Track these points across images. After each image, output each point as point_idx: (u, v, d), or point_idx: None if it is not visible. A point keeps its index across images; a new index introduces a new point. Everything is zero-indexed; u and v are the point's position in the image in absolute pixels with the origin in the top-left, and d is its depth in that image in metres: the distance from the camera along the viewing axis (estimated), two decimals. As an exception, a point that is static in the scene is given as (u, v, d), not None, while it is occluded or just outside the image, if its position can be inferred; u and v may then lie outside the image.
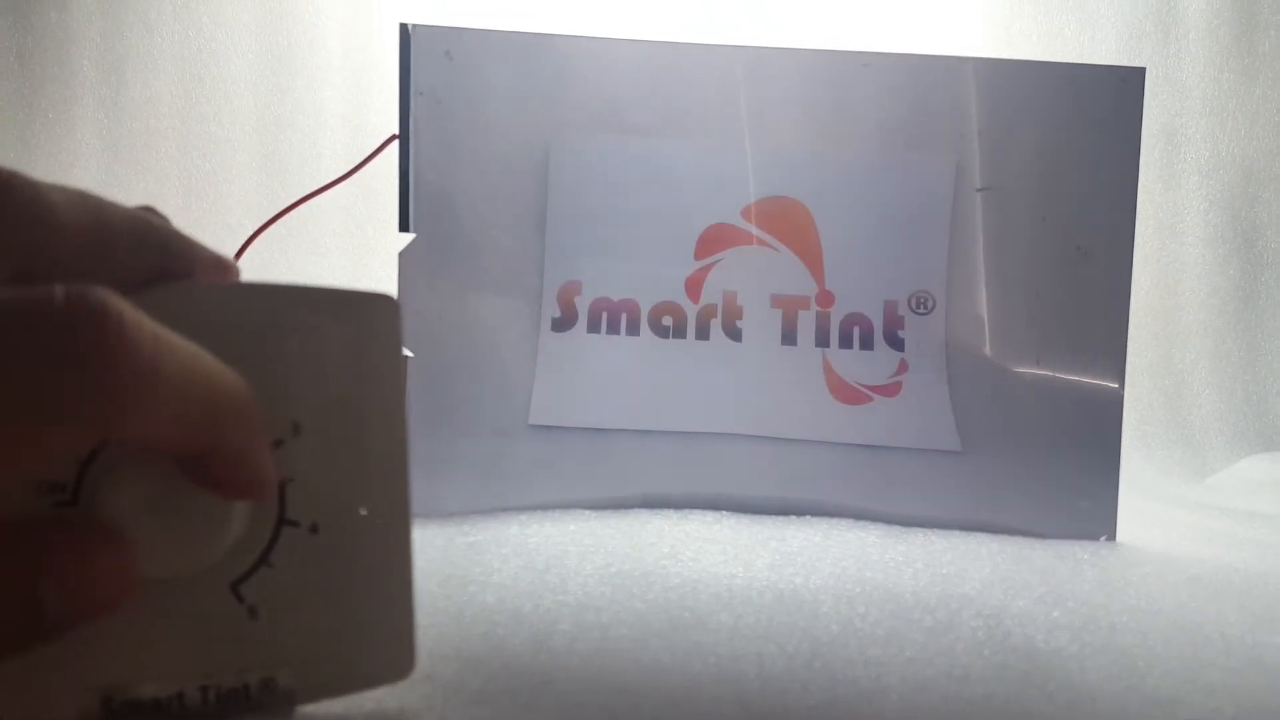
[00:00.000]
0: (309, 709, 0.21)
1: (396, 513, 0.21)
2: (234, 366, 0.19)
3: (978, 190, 0.48)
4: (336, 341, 0.20)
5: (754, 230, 0.49)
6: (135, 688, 0.19)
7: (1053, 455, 0.48)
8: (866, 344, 0.49)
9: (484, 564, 0.37)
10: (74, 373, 0.15)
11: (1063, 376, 0.48)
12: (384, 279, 0.47)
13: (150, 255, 0.20)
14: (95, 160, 0.72)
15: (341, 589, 0.21)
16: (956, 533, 0.46)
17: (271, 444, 0.19)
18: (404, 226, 0.47)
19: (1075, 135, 0.48)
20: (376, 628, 0.21)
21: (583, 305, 0.48)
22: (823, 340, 0.49)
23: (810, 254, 0.49)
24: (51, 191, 0.18)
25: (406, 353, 0.47)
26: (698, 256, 0.49)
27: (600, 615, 0.31)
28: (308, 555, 0.20)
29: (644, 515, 0.46)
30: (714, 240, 0.49)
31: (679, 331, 0.49)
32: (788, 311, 0.49)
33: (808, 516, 0.47)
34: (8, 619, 0.16)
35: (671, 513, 0.46)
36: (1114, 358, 0.48)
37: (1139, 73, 0.48)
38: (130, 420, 0.16)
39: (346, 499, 0.21)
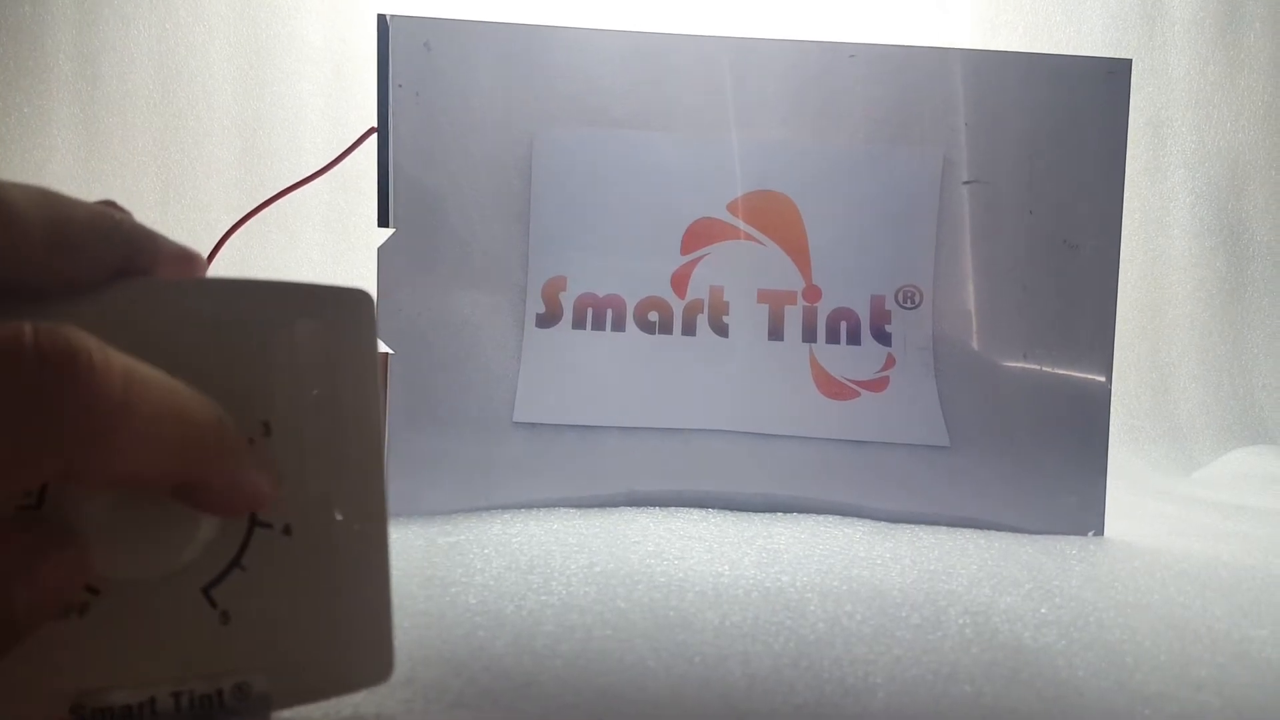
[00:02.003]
0: (285, 714, 0.21)
1: (372, 512, 0.21)
2: (200, 364, 0.18)
3: (965, 184, 0.48)
4: (308, 338, 0.20)
5: (740, 225, 0.48)
6: (106, 695, 0.18)
7: (1040, 450, 0.48)
8: (853, 339, 0.48)
9: (466, 564, 0.36)
10: (43, 413, 0.14)
11: (1050, 371, 0.48)
12: (365, 274, 0.46)
13: (113, 250, 0.19)
14: (71, 155, 0.71)
15: (316, 591, 0.20)
16: (944, 529, 0.46)
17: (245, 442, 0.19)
18: (383, 221, 0.46)
19: (1062, 128, 0.48)
20: (353, 631, 0.21)
21: (568, 301, 0.48)
22: (810, 335, 0.48)
23: (797, 248, 0.49)
24: (10, 189, 0.18)
25: (386, 349, 0.46)
26: (684, 251, 0.48)
27: (584, 616, 0.31)
28: (281, 558, 0.20)
29: (629, 513, 0.45)
30: (700, 235, 0.48)
31: (665, 327, 0.48)
32: (774, 306, 0.48)
33: (794, 514, 0.47)
34: None
35: (657, 510, 0.46)
36: (1102, 352, 0.48)
37: (1126, 64, 0.48)
38: (100, 460, 0.16)
39: (320, 500, 0.20)
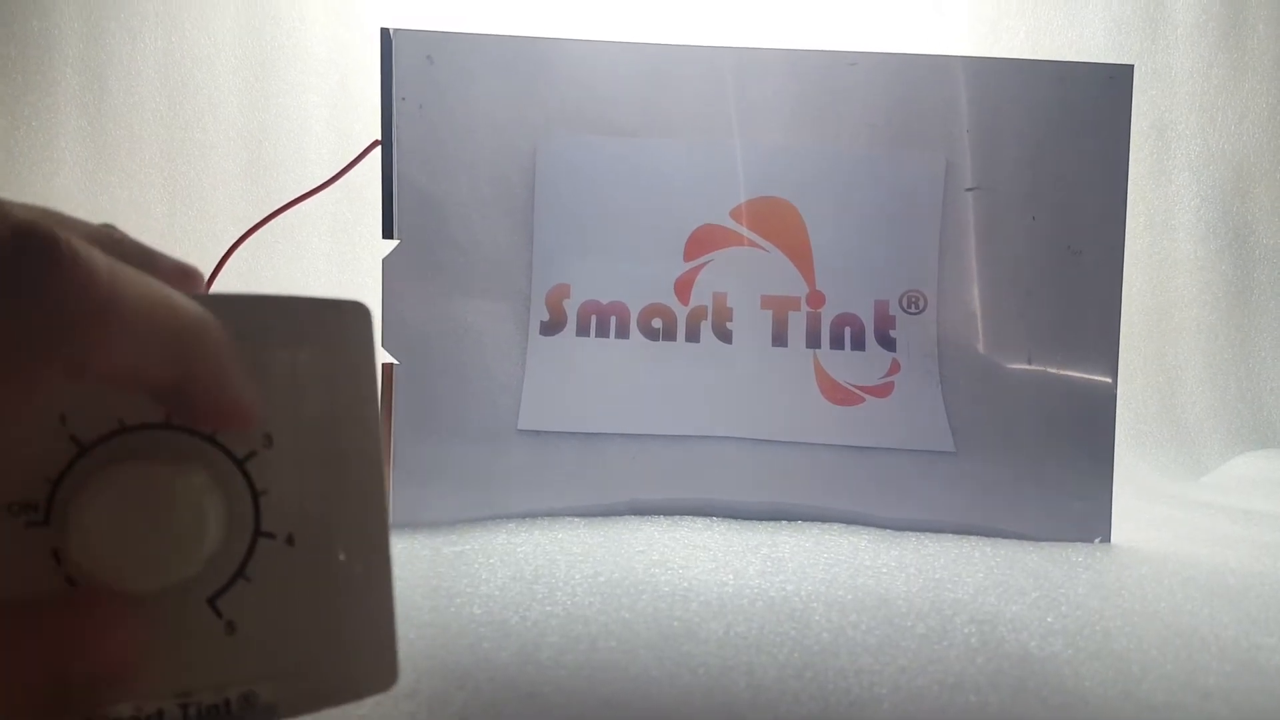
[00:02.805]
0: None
1: (374, 521, 0.21)
2: None
3: (968, 189, 0.48)
4: (308, 351, 0.20)
5: (744, 231, 0.48)
6: (111, 708, 0.18)
7: (1046, 456, 0.47)
8: (858, 344, 0.48)
9: (471, 574, 0.36)
10: (33, 303, 0.14)
11: (1055, 375, 0.48)
12: (370, 284, 0.47)
13: None
14: (79, 168, 0.72)
15: (320, 601, 0.20)
16: (949, 536, 0.46)
17: (244, 456, 0.19)
18: (388, 232, 0.47)
19: (1064, 133, 0.48)
20: (357, 639, 0.21)
21: (571, 308, 0.48)
22: (814, 341, 0.48)
23: (800, 254, 0.49)
24: (14, 209, 0.18)
25: (391, 359, 0.46)
26: (687, 258, 0.48)
27: (589, 626, 0.31)
28: (285, 568, 0.20)
29: (634, 522, 0.45)
30: (703, 241, 0.48)
31: (669, 334, 0.48)
32: (778, 312, 0.48)
33: (799, 522, 0.47)
34: (33, 706, 0.16)
35: (661, 519, 0.46)
36: (1106, 356, 0.48)
37: (1127, 69, 0.48)
38: (100, 349, 0.15)
39: (323, 509, 0.20)
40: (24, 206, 0.18)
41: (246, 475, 0.19)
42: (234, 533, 0.19)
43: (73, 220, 0.19)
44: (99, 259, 0.15)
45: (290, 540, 0.20)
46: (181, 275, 0.21)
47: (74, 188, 0.71)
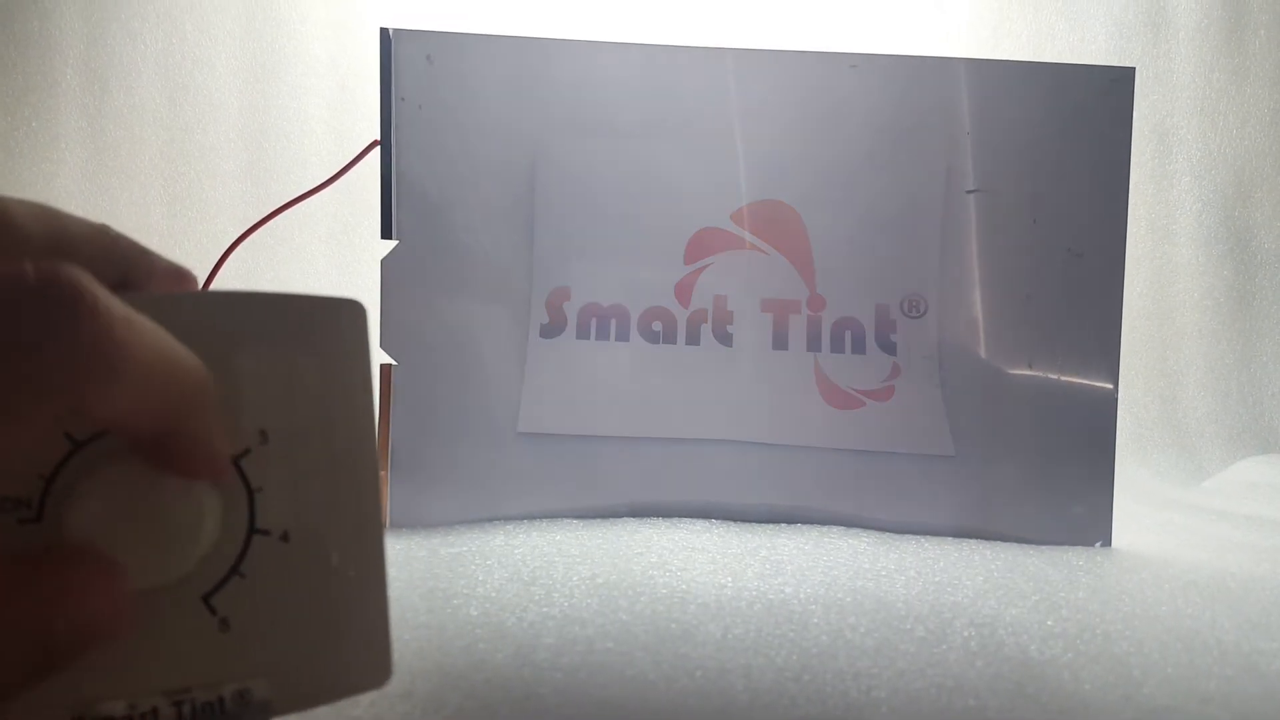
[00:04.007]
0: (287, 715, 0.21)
1: (368, 517, 0.21)
2: None
3: (968, 192, 0.48)
4: (302, 348, 0.20)
5: (744, 234, 0.48)
6: (106, 705, 0.18)
7: (1047, 460, 0.47)
8: (858, 348, 0.48)
9: (468, 576, 0.36)
10: (47, 349, 0.14)
11: (1056, 380, 0.48)
12: (370, 285, 0.47)
13: (110, 265, 0.20)
14: (79, 169, 0.72)
15: (315, 597, 0.20)
16: (949, 539, 0.46)
17: (240, 453, 0.19)
18: (386, 233, 0.46)
19: (1065, 136, 0.48)
20: (351, 635, 0.21)
21: (572, 311, 0.48)
22: (814, 344, 0.48)
23: (801, 257, 0.48)
24: (12, 205, 0.18)
25: (390, 361, 0.46)
26: (687, 261, 0.48)
27: (586, 628, 0.30)
28: (279, 564, 0.20)
29: (632, 524, 0.45)
30: (704, 244, 0.48)
31: (669, 337, 0.48)
32: (778, 316, 0.48)
33: (798, 524, 0.47)
34: (16, 657, 0.16)
35: (660, 521, 0.46)
36: (1107, 360, 0.47)
37: (1129, 73, 0.47)
38: (104, 400, 0.15)
39: (317, 506, 0.20)
40: (24, 203, 0.18)
41: (241, 472, 0.19)
42: (229, 530, 0.19)
43: (70, 218, 0.19)
44: (118, 310, 0.15)
45: (285, 537, 0.20)
46: (176, 277, 0.21)
47: (74, 188, 0.71)
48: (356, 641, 0.21)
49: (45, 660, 0.16)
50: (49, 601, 0.16)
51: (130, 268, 0.20)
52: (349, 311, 0.21)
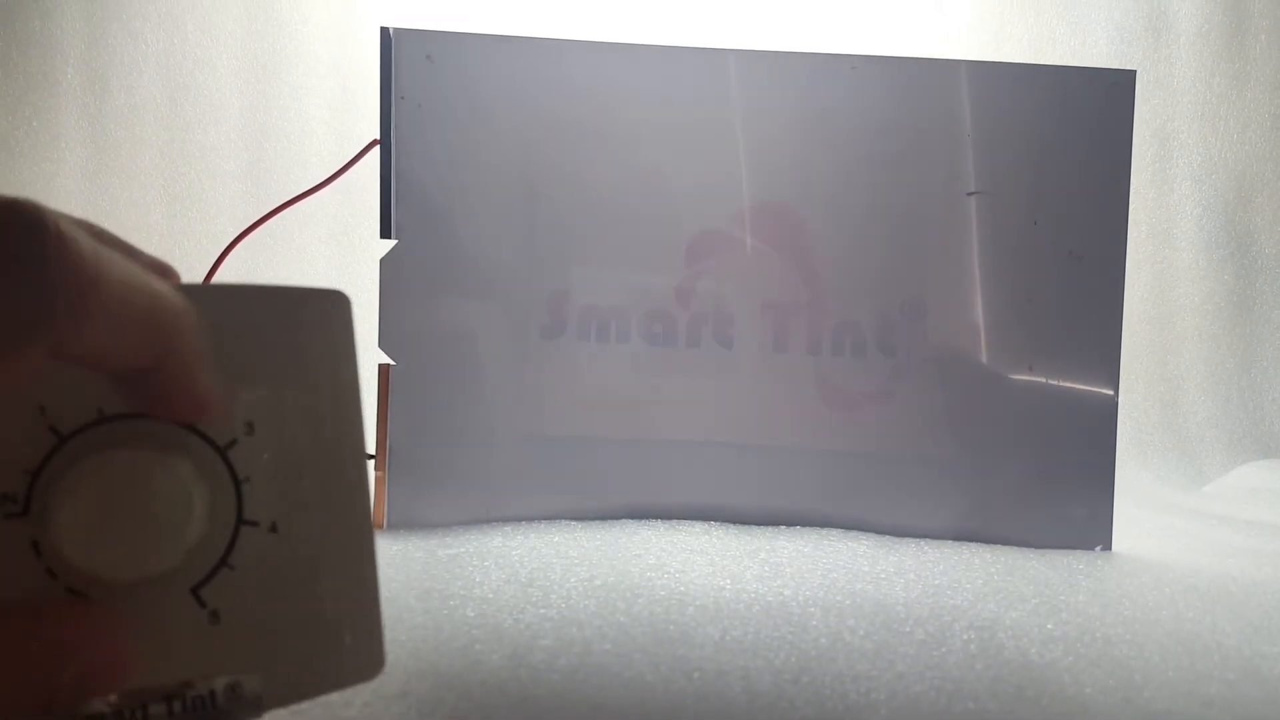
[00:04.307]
0: (278, 714, 0.20)
1: (357, 507, 0.21)
2: None
3: (969, 194, 0.48)
4: (287, 339, 0.20)
5: (745, 236, 0.48)
6: (96, 701, 0.18)
7: (1047, 463, 0.47)
8: (859, 351, 0.48)
9: (465, 577, 0.36)
10: (15, 277, 0.14)
11: (1056, 383, 0.47)
12: (369, 285, 0.46)
13: None
14: (79, 168, 0.72)
15: (305, 588, 0.20)
16: (949, 543, 0.46)
17: (226, 443, 0.19)
18: (385, 233, 0.46)
19: (1066, 138, 0.47)
20: (342, 627, 0.21)
21: (572, 312, 0.48)
22: (814, 347, 0.48)
23: (802, 260, 0.48)
24: None
25: (388, 361, 0.46)
26: (688, 263, 0.48)
27: (583, 630, 0.30)
28: (268, 556, 0.19)
29: (631, 526, 0.45)
30: (704, 246, 0.48)
31: (670, 339, 0.48)
32: (779, 318, 0.48)
33: (798, 527, 0.47)
34: (23, 705, 0.16)
35: (659, 523, 0.46)
36: (1108, 363, 0.47)
37: (1129, 76, 0.47)
38: (76, 326, 0.15)
39: (305, 496, 0.20)
40: (6, 198, 0.18)
41: (228, 463, 0.19)
42: (216, 521, 0.19)
43: (57, 213, 0.19)
44: (83, 239, 0.15)
45: (274, 528, 0.20)
46: (159, 273, 0.21)
47: (74, 187, 0.71)
48: (348, 633, 0.21)
49: (49, 709, 0.16)
50: (56, 654, 0.16)
51: None
52: (334, 302, 0.21)
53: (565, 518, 0.47)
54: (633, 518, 0.47)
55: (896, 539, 0.46)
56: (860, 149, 0.48)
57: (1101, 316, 0.47)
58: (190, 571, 0.19)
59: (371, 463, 0.44)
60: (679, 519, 0.47)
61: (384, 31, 0.46)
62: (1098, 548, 0.47)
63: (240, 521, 0.19)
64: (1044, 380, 0.48)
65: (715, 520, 0.47)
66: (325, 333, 0.20)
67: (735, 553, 0.41)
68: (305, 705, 0.21)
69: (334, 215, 0.73)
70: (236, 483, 0.19)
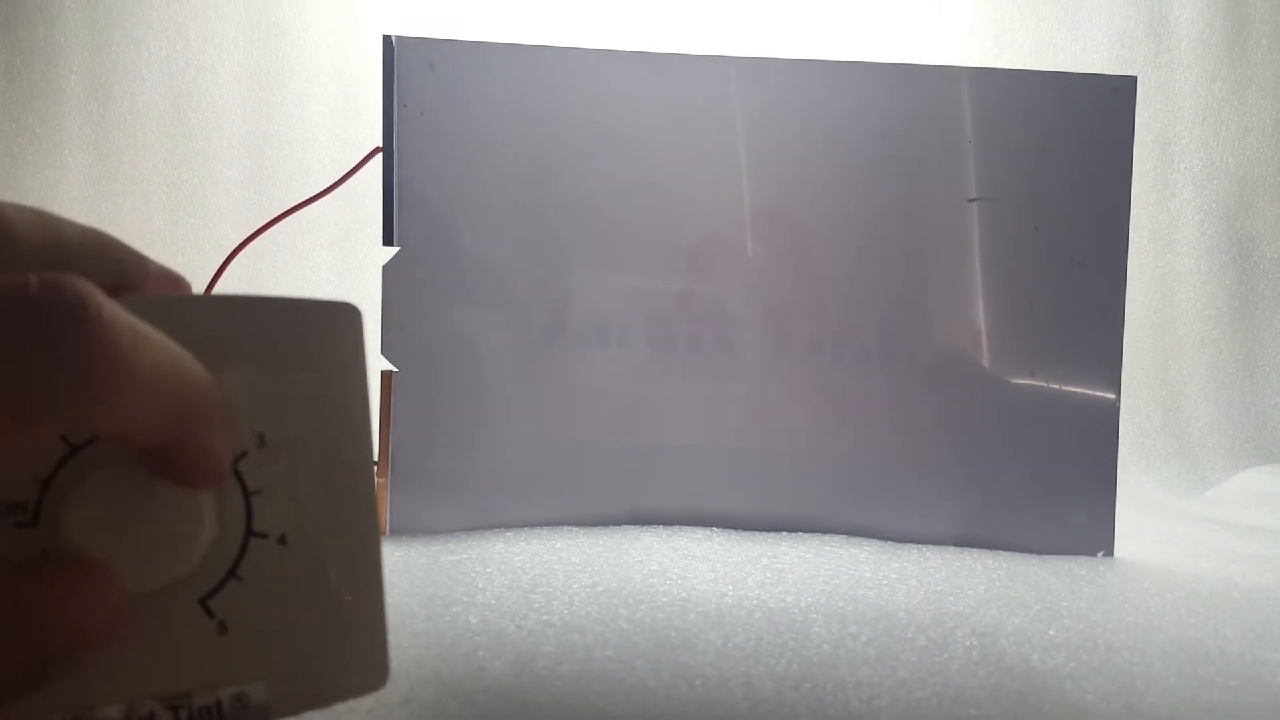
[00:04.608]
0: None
1: (365, 519, 0.21)
2: None
3: (970, 200, 0.48)
4: (298, 351, 0.20)
5: (747, 241, 0.48)
6: (103, 710, 0.18)
7: (1049, 469, 0.47)
8: (860, 356, 0.48)
9: (468, 583, 0.36)
10: (53, 363, 0.14)
11: (1058, 388, 0.48)
12: (372, 292, 0.47)
13: (105, 269, 0.20)
14: (83, 176, 0.72)
15: (312, 600, 0.20)
16: (951, 548, 0.46)
17: (237, 455, 0.19)
18: (388, 240, 0.46)
19: (1068, 144, 0.48)
20: (349, 638, 0.21)
21: (574, 318, 0.48)
22: (816, 352, 0.48)
23: (804, 265, 0.48)
24: (8, 209, 0.18)
25: (391, 367, 0.46)
26: (690, 268, 0.48)
27: (585, 636, 0.30)
28: (277, 567, 0.20)
29: (633, 532, 0.45)
30: (707, 252, 0.48)
31: (671, 344, 0.48)
32: (781, 323, 0.48)
33: (800, 532, 0.47)
34: (10, 665, 0.15)
35: (661, 529, 0.46)
36: (1110, 369, 0.47)
37: (1130, 81, 0.47)
38: (109, 413, 0.15)
39: (314, 508, 0.20)
40: (20, 208, 0.18)
41: (239, 475, 0.19)
42: (226, 533, 0.19)
43: (65, 222, 0.19)
44: (123, 322, 0.15)
45: (283, 540, 0.20)
46: (169, 282, 0.21)
47: (78, 195, 0.72)
48: (354, 644, 0.21)
49: (40, 668, 0.16)
50: (43, 609, 0.16)
51: (125, 272, 0.20)
52: (345, 315, 0.21)
53: (567, 523, 0.47)
54: (635, 523, 0.47)
55: (899, 545, 0.46)
56: (862, 155, 0.48)
57: (1103, 322, 0.47)
58: (199, 583, 0.19)
59: (374, 469, 0.44)
60: (681, 524, 0.47)
61: (386, 40, 0.46)
62: (1100, 553, 0.47)
63: (250, 533, 0.19)
64: (1046, 386, 0.48)
65: (717, 526, 0.47)
66: (336, 345, 0.21)
67: (737, 559, 0.41)
68: (311, 714, 0.21)
69: (336, 222, 0.74)
70: (246, 495, 0.19)
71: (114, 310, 0.15)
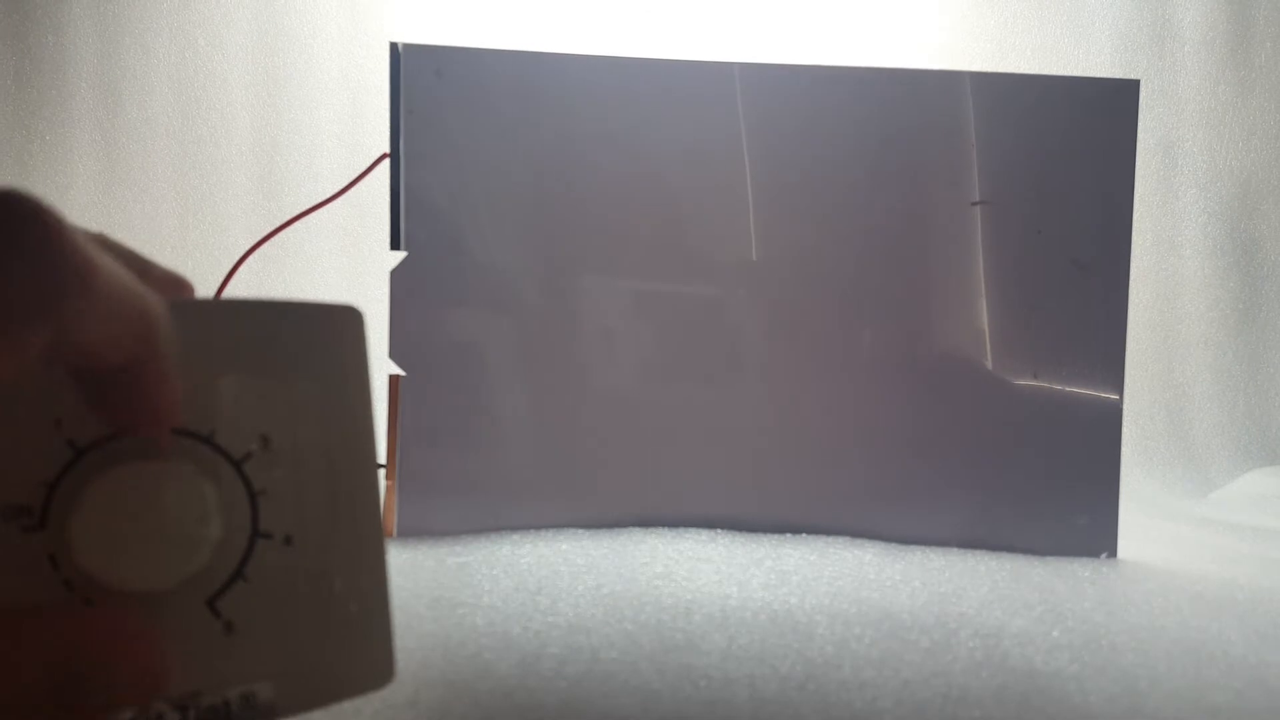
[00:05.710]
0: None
1: (369, 519, 0.21)
2: (197, 380, 0.19)
3: (974, 204, 0.48)
4: (302, 354, 0.20)
5: (752, 245, 0.48)
6: (112, 710, 0.18)
7: (1052, 471, 0.47)
8: (864, 360, 0.48)
9: (474, 585, 0.36)
10: (17, 264, 0.14)
11: (1061, 390, 0.48)
12: (379, 296, 0.47)
13: None
14: (92, 181, 0.72)
15: (318, 599, 0.20)
16: (955, 550, 0.46)
17: (241, 457, 0.19)
18: (395, 244, 0.47)
19: (1070, 147, 0.48)
20: (354, 636, 0.21)
21: (580, 321, 0.48)
22: (820, 355, 0.48)
23: (808, 269, 0.49)
24: None
25: (398, 371, 0.47)
26: (694, 273, 0.49)
27: (591, 638, 0.31)
28: (282, 567, 0.20)
29: (637, 534, 0.45)
30: (711, 257, 0.49)
31: (677, 347, 0.48)
32: (787, 329, 0.48)
33: (804, 535, 0.47)
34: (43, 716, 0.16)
35: (666, 531, 0.46)
36: (1113, 371, 0.47)
37: (1133, 85, 0.48)
38: (73, 315, 0.15)
39: (319, 509, 0.20)
40: None
41: (244, 476, 0.19)
42: (232, 534, 0.19)
43: (73, 226, 0.19)
44: (78, 231, 0.15)
45: (288, 540, 0.20)
46: (173, 285, 0.21)
47: (87, 200, 0.72)
48: (360, 643, 0.21)
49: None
50: (75, 664, 0.16)
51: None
52: (347, 318, 0.21)
53: (573, 526, 0.47)
54: (639, 526, 0.47)
55: (902, 547, 0.46)
56: (865, 159, 0.48)
57: (1106, 324, 0.48)
58: (206, 583, 0.19)
59: (381, 472, 0.45)
60: (685, 527, 0.47)
61: (393, 47, 0.47)
62: (1103, 555, 0.47)
63: (255, 534, 0.20)
64: (1049, 388, 0.48)
65: (722, 528, 0.47)
66: (339, 347, 0.21)
67: (742, 561, 0.41)
68: (317, 713, 0.21)
69: (344, 227, 0.74)
70: (252, 495, 0.20)
71: (68, 221, 0.15)
